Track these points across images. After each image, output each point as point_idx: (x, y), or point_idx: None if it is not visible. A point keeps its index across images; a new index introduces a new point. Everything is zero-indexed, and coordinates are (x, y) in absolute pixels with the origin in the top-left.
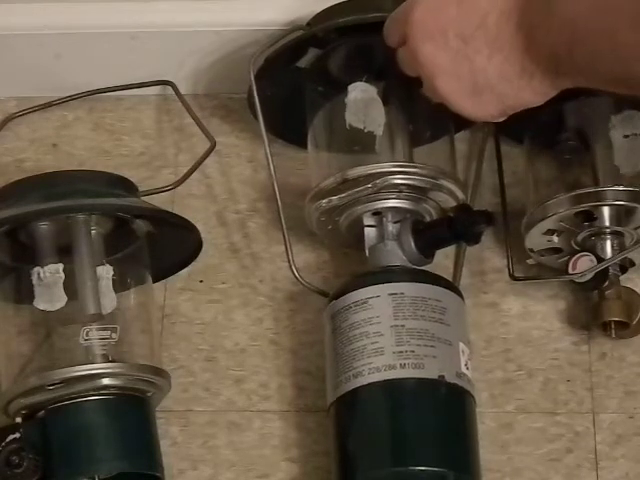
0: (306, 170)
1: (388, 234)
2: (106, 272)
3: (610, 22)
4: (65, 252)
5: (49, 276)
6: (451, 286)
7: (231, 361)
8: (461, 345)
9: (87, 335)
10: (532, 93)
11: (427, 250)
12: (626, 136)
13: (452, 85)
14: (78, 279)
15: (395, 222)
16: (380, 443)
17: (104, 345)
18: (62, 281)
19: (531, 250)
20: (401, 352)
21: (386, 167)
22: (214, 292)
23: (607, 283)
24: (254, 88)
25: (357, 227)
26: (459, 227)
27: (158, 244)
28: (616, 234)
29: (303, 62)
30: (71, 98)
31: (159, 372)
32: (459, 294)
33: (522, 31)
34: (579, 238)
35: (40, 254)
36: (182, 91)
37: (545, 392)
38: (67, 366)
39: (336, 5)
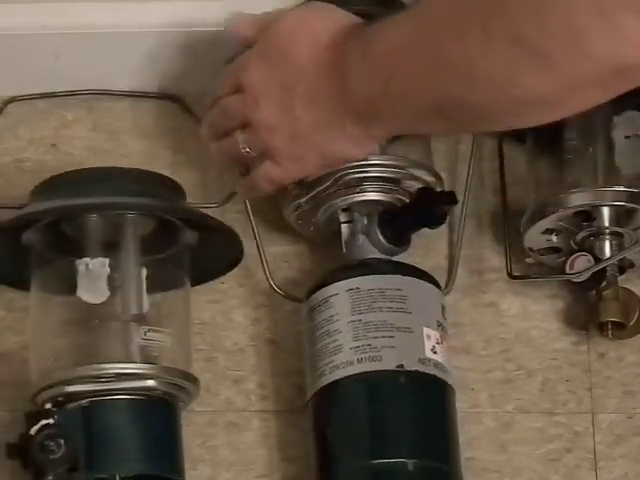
0: None
1: (359, 228)
2: (144, 273)
3: (432, 39)
4: (109, 248)
5: (96, 268)
6: (415, 273)
7: (230, 361)
8: (426, 330)
9: (128, 334)
10: (347, 143)
11: (396, 239)
12: (627, 137)
13: (275, 136)
14: (122, 277)
15: (368, 215)
16: (348, 439)
17: (146, 346)
18: (107, 275)
19: (530, 249)
20: (358, 347)
21: None
22: (213, 292)
23: (605, 283)
24: None
25: (334, 224)
26: (421, 211)
27: (200, 249)
28: (615, 235)
29: None
30: (72, 93)
31: (192, 379)
32: (427, 279)
33: (336, 79)
34: (578, 238)
35: (88, 246)
36: (182, 91)
37: (544, 392)
38: (108, 362)
39: None
